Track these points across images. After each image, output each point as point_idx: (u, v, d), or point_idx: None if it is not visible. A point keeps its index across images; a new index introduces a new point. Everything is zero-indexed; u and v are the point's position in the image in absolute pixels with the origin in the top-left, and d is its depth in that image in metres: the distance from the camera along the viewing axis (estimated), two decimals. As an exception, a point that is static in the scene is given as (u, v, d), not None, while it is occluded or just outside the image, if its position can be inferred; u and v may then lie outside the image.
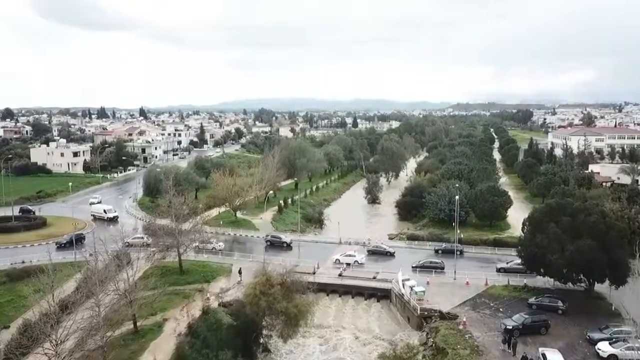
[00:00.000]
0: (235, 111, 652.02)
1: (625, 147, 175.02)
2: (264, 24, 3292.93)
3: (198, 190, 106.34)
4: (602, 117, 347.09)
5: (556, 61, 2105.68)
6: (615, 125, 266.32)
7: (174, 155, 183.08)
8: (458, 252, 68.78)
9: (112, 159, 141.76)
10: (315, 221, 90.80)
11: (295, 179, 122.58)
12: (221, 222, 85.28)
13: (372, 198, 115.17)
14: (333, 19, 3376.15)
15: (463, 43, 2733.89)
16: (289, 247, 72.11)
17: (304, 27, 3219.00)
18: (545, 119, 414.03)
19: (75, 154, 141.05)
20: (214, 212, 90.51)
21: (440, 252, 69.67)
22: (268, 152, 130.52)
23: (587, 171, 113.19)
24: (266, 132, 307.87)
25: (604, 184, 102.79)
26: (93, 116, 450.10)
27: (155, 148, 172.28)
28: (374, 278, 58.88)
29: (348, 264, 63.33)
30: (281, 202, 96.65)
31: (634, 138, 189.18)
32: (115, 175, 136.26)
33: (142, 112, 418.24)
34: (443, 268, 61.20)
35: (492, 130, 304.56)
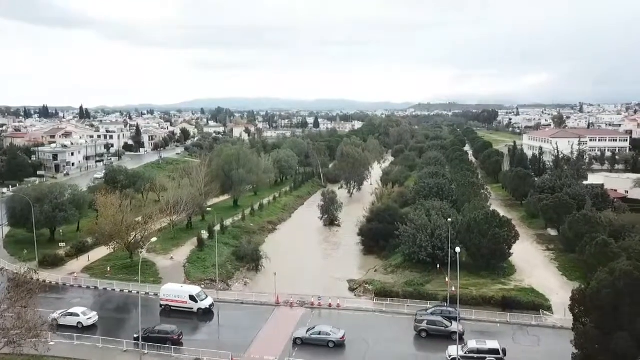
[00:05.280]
0: (194, 110, 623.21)
1: (605, 150, 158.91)
2: (227, 24, 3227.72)
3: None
4: (568, 118, 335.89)
5: (514, 64, 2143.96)
6: (588, 126, 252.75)
7: (97, 161, 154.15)
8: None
9: (4, 169, 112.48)
10: (249, 260, 65.97)
11: (233, 195, 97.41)
12: (109, 268, 59.48)
13: (330, 219, 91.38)
14: (300, 20, 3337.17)
15: (430, 46, 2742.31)
16: None
17: (269, 27, 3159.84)
18: (510, 119, 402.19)
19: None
20: (105, 250, 64.40)
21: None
22: (203, 160, 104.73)
23: (586, 182, 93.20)
24: (219, 133, 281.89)
25: (615, 200, 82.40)
26: (35, 115, 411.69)
27: (72, 154, 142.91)
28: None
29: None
30: (204, 232, 71.27)
31: (616, 140, 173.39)
32: (6, 190, 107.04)
33: (82, 112, 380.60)
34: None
35: (459, 131, 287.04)
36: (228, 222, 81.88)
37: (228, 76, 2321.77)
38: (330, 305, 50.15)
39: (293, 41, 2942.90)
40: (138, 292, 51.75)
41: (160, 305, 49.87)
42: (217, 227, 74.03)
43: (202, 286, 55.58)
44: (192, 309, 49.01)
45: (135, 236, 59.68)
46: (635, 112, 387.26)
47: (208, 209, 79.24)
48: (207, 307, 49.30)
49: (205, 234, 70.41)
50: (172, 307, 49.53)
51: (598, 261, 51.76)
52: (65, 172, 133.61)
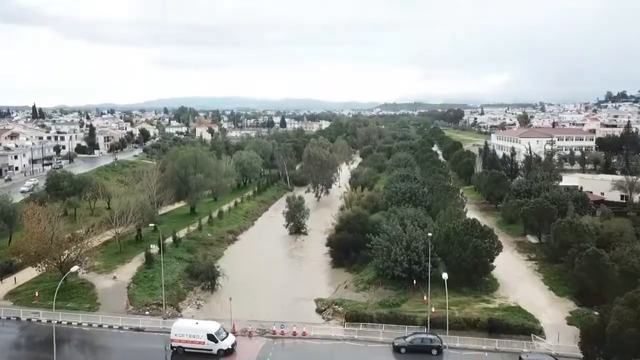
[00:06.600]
0: (157, 110, 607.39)
1: (573, 150, 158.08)
2: (193, 21, 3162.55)
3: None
4: (531, 117, 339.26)
5: (478, 65, 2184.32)
6: (553, 125, 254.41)
7: (45, 165, 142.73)
8: (435, 351, 40.28)
9: None
10: (204, 278, 58.66)
11: (189, 202, 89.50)
12: (37, 293, 51.20)
13: (296, 227, 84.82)
14: (266, 20, 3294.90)
15: (397, 47, 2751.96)
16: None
17: (236, 26, 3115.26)
18: (476, 118, 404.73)
19: None
20: (35, 271, 55.79)
21: (404, 350, 40.58)
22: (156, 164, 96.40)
23: (561, 184, 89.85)
24: (181, 133, 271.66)
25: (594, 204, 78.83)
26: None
27: (16, 157, 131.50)
28: None
29: None
30: (153, 246, 63.43)
31: (582, 139, 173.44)
32: None
33: (35, 111, 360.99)
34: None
35: (425, 130, 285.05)
36: (183, 232, 74.27)
37: (194, 75, 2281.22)
38: (294, 333, 43.65)
39: (261, 40, 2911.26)
40: (69, 323, 44.22)
41: (172, 347, 41.08)
42: (169, 240, 66.54)
43: (147, 312, 48.24)
44: (212, 350, 40.67)
45: (69, 254, 51.50)
46: (595, 111, 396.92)
47: (151, 224, 70.83)
48: (230, 347, 41.16)
49: (155, 248, 62.61)
50: (185, 349, 41.13)
51: (589, 275, 47.45)
52: (7, 177, 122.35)
